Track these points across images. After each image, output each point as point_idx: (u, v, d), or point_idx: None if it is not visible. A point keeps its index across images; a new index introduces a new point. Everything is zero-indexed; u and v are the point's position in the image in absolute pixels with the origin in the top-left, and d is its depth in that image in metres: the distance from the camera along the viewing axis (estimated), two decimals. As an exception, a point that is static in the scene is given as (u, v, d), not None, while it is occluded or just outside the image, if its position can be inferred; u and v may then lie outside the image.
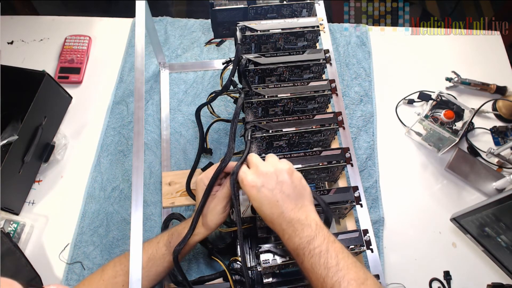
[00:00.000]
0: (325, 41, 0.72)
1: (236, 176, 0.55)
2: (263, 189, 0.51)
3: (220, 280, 0.68)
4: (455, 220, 0.76)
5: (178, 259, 0.57)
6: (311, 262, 0.46)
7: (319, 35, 0.70)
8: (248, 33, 0.67)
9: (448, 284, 0.79)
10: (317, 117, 0.64)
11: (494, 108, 0.98)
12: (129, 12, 0.87)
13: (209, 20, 1.02)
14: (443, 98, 0.89)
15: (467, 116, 0.88)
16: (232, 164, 0.58)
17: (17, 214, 0.82)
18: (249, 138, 0.60)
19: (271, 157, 0.55)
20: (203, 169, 0.82)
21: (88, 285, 0.59)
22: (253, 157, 0.55)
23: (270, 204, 0.51)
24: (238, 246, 0.61)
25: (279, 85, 0.65)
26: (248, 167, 0.55)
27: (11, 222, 0.79)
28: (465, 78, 0.99)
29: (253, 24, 0.67)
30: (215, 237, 0.81)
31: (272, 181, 0.51)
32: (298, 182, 0.53)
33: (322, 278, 0.45)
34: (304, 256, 0.47)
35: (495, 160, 0.91)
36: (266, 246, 0.57)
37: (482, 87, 0.99)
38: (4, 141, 0.76)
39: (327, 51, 0.69)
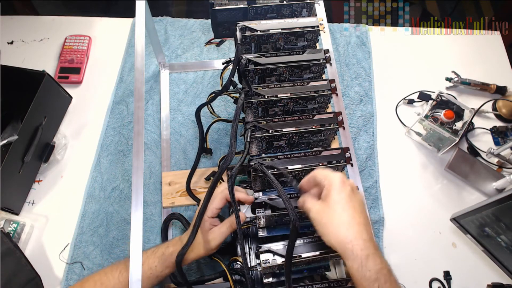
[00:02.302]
0: (325, 41, 0.72)
1: (234, 179, 0.54)
2: (357, 192, 0.49)
3: (220, 280, 0.68)
4: (455, 220, 0.76)
5: (181, 263, 0.57)
6: None
7: (319, 35, 0.70)
8: (248, 33, 0.67)
9: (448, 284, 0.79)
10: (317, 117, 0.64)
11: (494, 108, 0.98)
12: (129, 12, 0.87)
13: (209, 20, 1.02)
14: (443, 98, 0.89)
15: (467, 116, 0.88)
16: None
17: (17, 214, 0.82)
18: (248, 139, 0.60)
19: None
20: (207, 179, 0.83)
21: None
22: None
23: (357, 210, 0.47)
24: (239, 246, 0.61)
25: (279, 85, 0.65)
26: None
27: (11, 222, 0.79)
28: (465, 78, 0.99)
29: (253, 24, 0.67)
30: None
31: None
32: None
33: None
34: None
35: (495, 160, 0.91)
36: (266, 246, 0.57)
37: (482, 87, 0.99)
38: (4, 141, 0.76)
39: (327, 51, 0.69)
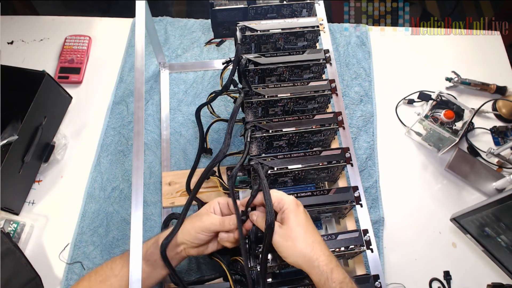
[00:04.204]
0: (325, 41, 0.72)
1: (234, 179, 0.54)
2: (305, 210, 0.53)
3: (220, 280, 0.68)
4: (455, 220, 0.76)
5: (166, 253, 0.56)
6: None
7: (319, 35, 0.70)
8: (248, 33, 0.67)
9: (448, 284, 0.79)
10: (317, 117, 0.64)
11: (494, 108, 0.98)
12: (129, 12, 0.87)
13: (209, 20, 1.02)
14: (443, 98, 0.89)
15: (467, 116, 0.88)
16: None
17: (17, 214, 0.82)
18: (248, 139, 0.60)
19: None
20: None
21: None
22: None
23: (314, 230, 0.51)
24: (240, 246, 0.61)
25: (279, 85, 0.65)
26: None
27: (11, 222, 0.79)
28: (465, 78, 0.99)
29: (253, 24, 0.67)
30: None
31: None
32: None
33: None
34: None
35: (495, 160, 0.91)
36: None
37: (482, 87, 0.99)
38: (4, 141, 0.76)
39: (327, 51, 0.69)
